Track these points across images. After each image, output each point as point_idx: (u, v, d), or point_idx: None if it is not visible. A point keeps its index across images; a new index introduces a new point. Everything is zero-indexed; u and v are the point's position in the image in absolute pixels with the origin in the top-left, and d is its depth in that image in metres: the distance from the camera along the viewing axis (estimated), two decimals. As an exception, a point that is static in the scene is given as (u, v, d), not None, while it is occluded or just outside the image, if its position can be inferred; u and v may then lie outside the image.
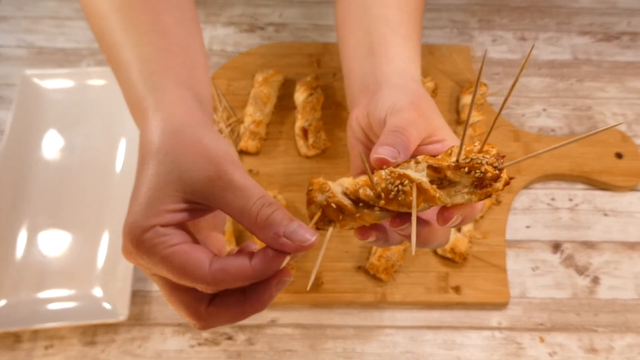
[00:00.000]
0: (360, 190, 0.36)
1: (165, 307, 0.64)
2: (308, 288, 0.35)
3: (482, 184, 0.35)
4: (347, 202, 0.37)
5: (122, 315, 0.60)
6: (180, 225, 0.36)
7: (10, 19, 0.86)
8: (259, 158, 0.73)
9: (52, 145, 0.73)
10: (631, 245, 0.69)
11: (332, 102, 0.77)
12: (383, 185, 0.36)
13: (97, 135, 0.74)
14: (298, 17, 0.89)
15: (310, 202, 0.37)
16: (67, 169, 0.71)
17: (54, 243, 0.66)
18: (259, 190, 0.35)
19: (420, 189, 0.35)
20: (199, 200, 0.36)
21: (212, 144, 0.37)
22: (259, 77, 0.77)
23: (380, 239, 0.40)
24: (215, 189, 0.35)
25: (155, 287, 0.65)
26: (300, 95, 0.75)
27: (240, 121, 0.76)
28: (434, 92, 0.78)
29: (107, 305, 0.62)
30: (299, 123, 0.73)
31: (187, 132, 0.38)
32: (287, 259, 0.35)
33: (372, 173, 0.37)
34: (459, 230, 0.65)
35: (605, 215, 0.71)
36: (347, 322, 0.63)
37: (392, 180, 0.36)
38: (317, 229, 0.38)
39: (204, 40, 0.84)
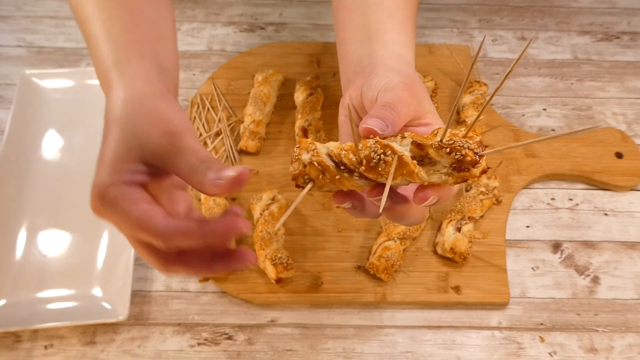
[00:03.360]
0: (343, 153, 0.38)
1: (165, 307, 0.64)
2: (276, 228, 0.38)
3: (461, 167, 0.36)
4: (329, 163, 0.38)
5: (122, 315, 0.60)
6: (143, 186, 0.39)
7: (10, 18, 0.86)
8: (259, 158, 0.73)
9: (52, 145, 0.73)
10: (631, 245, 0.69)
11: (332, 102, 0.77)
12: (366, 152, 0.37)
13: (97, 135, 0.72)
14: (298, 16, 0.89)
15: (294, 160, 0.39)
16: (67, 169, 0.71)
17: (54, 243, 0.66)
18: (204, 153, 0.39)
19: (401, 161, 0.37)
20: (157, 164, 0.39)
21: (169, 113, 0.41)
22: (259, 77, 0.77)
23: (357, 207, 0.41)
24: (169, 154, 0.39)
25: (155, 287, 0.65)
26: (300, 95, 0.75)
27: (240, 121, 0.76)
28: (434, 92, 0.78)
29: (106, 305, 0.62)
30: (299, 123, 0.73)
31: (146, 103, 0.41)
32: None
33: (359, 140, 0.39)
34: (458, 230, 0.65)
35: (606, 215, 0.71)
36: (347, 322, 0.63)
37: (376, 149, 0.37)
38: (297, 185, 0.40)
39: (204, 40, 0.85)
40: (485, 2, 0.91)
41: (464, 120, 0.75)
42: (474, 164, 0.36)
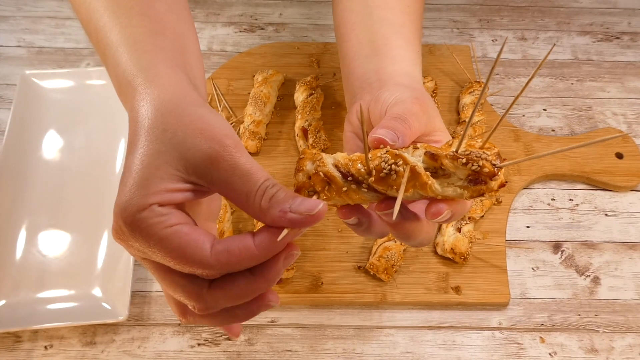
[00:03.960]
0: (351, 164, 0.36)
1: (165, 307, 0.64)
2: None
3: (477, 180, 0.34)
4: (336, 173, 0.36)
5: (122, 315, 0.60)
6: (179, 207, 0.34)
7: (10, 18, 0.86)
8: (259, 158, 0.73)
9: (52, 145, 0.73)
10: (631, 246, 0.69)
11: (332, 102, 0.77)
12: (376, 162, 0.35)
13: (97, 135, 0.74)
14: (298, 17, 0.89)
15: (298, 170, 0.36)
16: (67, 169, 0.71)
17: (54, 243, 0.66)
18: (263, 173, 0.34)
19: (414, 172, 0.35)
20: (200, 182, 0.34)
21: (215, 122, 0.35)
22: (259, 77, 0.77)
23: (363, 224, 0.39)
24: (220, 171, 0.33)
25: (155, 287, 0.65)
26: (300, 95, 0.75)
27: (240, 121, 0.76)
28: (434, 92, 0.78)
29: (107, 306, 0.62)
30: (299, 123, 0.73)
31: (187, 109, 0.35)
32: (285, 232, 0.33)
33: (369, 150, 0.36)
34: (459, 230, 0.65)
35: (606, 215, 0.71)
36: (347, 323, 0.63)
37: (387, 159, 0.35)
38: None
39: (204, 40, 0.85)
40: (485, 2, 0.91)
41: (464, 121, 0.74)
42: (492, 176, 0.34)
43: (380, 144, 0.37)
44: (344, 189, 0.36)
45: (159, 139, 0.34)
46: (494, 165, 0.34)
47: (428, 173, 0.35)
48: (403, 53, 0.50)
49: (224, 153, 0.33)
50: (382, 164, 0.35)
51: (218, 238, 0.34)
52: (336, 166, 0.36)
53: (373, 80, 0.48)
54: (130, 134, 0.36)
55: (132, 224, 0.32)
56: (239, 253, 0.32)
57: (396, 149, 0.37)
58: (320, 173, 0.36)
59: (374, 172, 0.35)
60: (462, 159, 0.34)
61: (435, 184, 0.35)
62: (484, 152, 0.35)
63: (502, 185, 0.35)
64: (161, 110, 0.35)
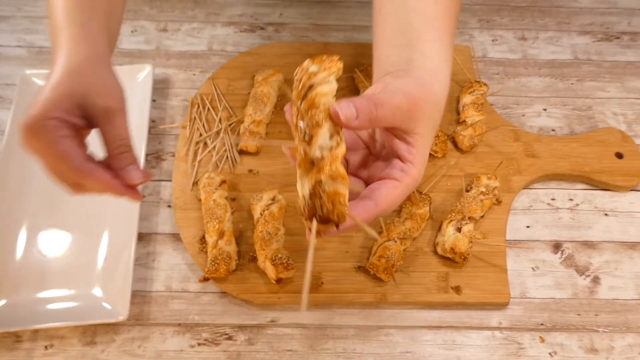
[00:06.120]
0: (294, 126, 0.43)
1: (165, 307, 0.64)
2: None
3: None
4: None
5: (122, 315, 0.60)
6: (77, 131, 0.46)
7: (10, 18, 0.86)
8: (259, 158, 0.73)
9: (52, 145, 0.73)
10: (631, 245, 0.69)
11: (332, 102, 0.77)
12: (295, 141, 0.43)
13: (97, 134, 0.74)
14: (298, 17, 0.89)
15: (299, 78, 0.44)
16: (67, 169, 0.71)
17: (54, 243, 0.66)
18: (128, 134, 0.48)
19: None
20: (87, 116, 0.47)
21: (117, 83, 0.49)
22: (259, 77, 0.77)
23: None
24: (105, 119, 0.47)
25: (155, 287, 0.65)
26: (300, 95, 0.75)
27: (240, 121, 0.76)
28: (434, 92, 0.78)
29: (107, 305, 0.62)
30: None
31: (97, 67, 0.49)
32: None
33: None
34: (459, 230, 0.65)
35: (606, 215, 0.71)
36: (347, 322, 0.63)
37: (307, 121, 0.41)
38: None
39: (204, 40, 0.85)
40: (485, 2, 0.91)
41: (464, 121, 0.74)
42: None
43: (335, 117, 0.40)
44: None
45: (70, 78, 0.46)
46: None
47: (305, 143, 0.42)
48: (434, 49, 0.50)
49: (117, 107, 0.48)
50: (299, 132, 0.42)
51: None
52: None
53: (400, 69, 0.49)
54: (52, 61, 0.49)
55: (31, 128, 0.43)
56: (99, 177, 0.46)
57: (354, 128, 0.41)
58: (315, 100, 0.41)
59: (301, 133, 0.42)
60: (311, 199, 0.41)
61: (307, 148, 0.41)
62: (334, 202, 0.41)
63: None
64: (82, 59, 0.48)
